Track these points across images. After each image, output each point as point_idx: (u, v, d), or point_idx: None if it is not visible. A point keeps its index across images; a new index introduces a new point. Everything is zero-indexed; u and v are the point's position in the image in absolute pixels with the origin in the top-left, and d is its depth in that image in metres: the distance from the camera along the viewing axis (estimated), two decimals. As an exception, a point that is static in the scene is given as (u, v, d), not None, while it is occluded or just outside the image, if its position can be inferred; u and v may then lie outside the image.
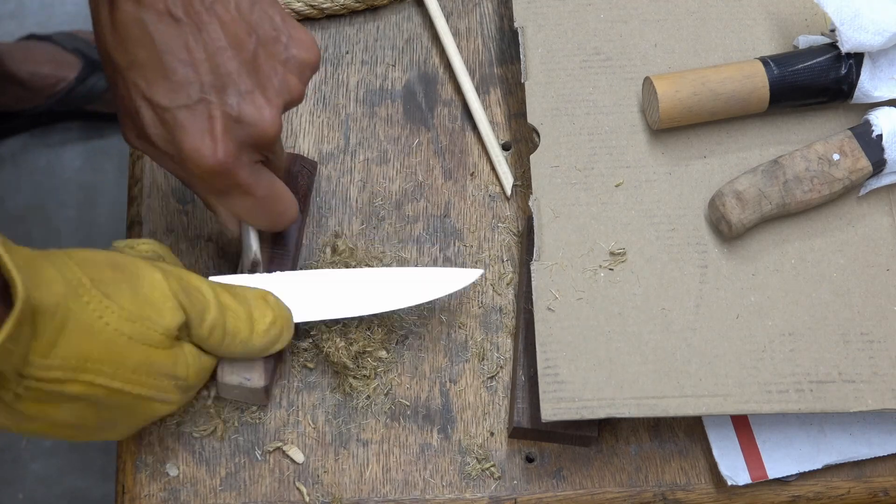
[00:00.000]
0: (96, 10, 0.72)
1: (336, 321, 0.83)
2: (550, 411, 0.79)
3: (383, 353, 0.85)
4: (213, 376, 0.81)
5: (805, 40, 0.88)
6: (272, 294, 0.78)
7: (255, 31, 0.72)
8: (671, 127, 0.86)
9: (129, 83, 0.71)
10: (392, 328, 0.85)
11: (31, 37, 1.79)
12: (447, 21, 0.95)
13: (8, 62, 1.72)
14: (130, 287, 0.70)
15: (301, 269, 0.87)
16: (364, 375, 0.84)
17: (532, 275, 0.82)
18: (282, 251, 0.85)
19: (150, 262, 0.73)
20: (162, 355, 0.71)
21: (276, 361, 0.83)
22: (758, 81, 0.85)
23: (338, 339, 0.82)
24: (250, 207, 0.76)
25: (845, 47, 0.84)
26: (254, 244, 0.82)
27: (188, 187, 0.76)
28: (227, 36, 0.70)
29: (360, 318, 0.83)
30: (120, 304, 0.69)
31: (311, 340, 0.84)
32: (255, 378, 0.81)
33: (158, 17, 0.69)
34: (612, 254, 0.83)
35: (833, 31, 0.85)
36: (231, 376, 0.80)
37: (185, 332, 0.73)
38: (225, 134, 0.71)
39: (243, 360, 0.81)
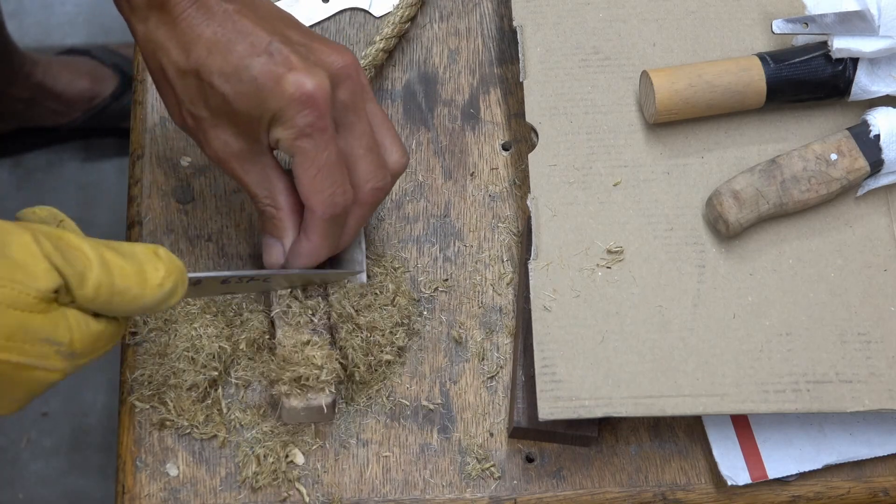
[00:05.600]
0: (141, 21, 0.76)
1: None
2: (548, 410, 0.79)
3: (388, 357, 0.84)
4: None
5: (781, 26, 0.87)
6: (163, 247, 0.73)
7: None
8: (668, 121, 0.86)
9: (197, 71, 0.75)
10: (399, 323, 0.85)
11: (71, 51, 1.78)
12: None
13: (44, 76, 1.71)
14: None
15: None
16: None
17: (529, 273, 0.83)
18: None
19: (20, 224, 0.69)
20: (39, 320, 0.67)
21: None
22: (754, 75, 0.85)
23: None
24: (320, 167, 0.76)
25: (836, 55, 0.84)
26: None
27: (235, 164, 0.78)
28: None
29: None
30: None
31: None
32: (321, 396, 0.79)
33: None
34: (609, 253, 0.83)
35: (807, 23, 0.85)
36: (294, 400, 0.79)
37: (67, 297, 0.69)
38: (314, 64, 0.75)
39: (304, 384, 0.79)
